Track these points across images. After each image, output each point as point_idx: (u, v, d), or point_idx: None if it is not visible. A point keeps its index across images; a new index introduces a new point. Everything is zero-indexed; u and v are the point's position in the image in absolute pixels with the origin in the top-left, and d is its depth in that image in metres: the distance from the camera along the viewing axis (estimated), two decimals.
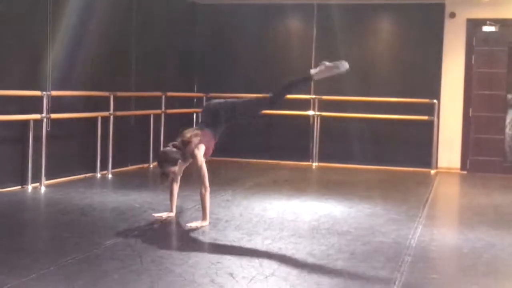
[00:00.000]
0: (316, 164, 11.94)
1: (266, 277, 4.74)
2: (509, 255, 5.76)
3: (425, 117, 11.43)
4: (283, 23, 12.45)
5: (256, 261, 5.17)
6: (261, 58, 12.44)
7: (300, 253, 5.48)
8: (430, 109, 11.44)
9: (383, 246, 5.87)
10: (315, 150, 12.01)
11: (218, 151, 12.08)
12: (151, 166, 10.93)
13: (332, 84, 11.95)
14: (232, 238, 5.99)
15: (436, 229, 6.78)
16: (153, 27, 11.29)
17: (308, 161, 12.03)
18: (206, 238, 5.94)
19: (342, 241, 6.01)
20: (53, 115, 8.78)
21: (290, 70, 12.22)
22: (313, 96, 12.02)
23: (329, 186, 9.68)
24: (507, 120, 11.52)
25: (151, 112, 10.99)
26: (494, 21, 11.18)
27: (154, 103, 11.13)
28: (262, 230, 6.37)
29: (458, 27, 11.44)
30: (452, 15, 11.43)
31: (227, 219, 6.84)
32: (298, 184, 9.80)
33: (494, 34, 11.25)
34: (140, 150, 10.96)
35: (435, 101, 11.42)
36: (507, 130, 11.53)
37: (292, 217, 7.02)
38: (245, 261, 5.17)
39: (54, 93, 8.83)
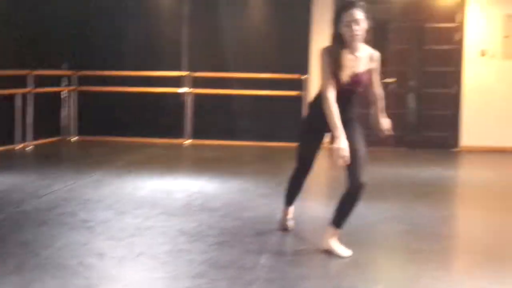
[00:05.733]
0: (190, 141, 11.93)
1: (137, 256, 4.73)
2: (370, 224, 6.01)
3: (296, 92, 11.65)
4: None
5: (126, 241, 5.15)
6: (134, 33, 12.21)
7: (171, 231, 5.49)
8: (298, 85, 11.65)
9: (253, 220, 5.98)
10: (189, 127, 12.00)
11: (88, 131, 12.03)
12: (16, 148, 10.56)
13: (205, 60, 12.00)
14: (102, 218, 5.92)
15: (305, 202, 6.94)
16: (21, 0, 10.87)
17: (182, 138, 12.01)
18: (75, 220, 5.83)
19: (213, 217, 6.07)
20: None
21: (162, 45, 12.15)
22: (186, 73, 11.99)
23: (202, 163, 9.72)
24: None
25: (17, 91, 10.60)
26: None
27: (20, 81, 10.72)
28: (132, 209, 6.33)
29: (325, 2, 11.68)
30: None
31: (97, 199, 6.75)
32: (171, 162, 9.80)
33: None
34: (5, 131, 10.55)
35: (305, 76, 11.65)
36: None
37: (164, 195, 7.01)
38: (115, 241, 5.13)
39: None
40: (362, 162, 4.85)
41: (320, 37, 11.74)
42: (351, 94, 4.86)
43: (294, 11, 11.86)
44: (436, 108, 11.80)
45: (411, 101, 11.96)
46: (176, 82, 12.00)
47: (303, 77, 11.63)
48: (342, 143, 4.63)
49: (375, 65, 4.92)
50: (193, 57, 12.08)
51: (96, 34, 12.21)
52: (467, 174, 9.93)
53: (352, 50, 4.74)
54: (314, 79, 11.80)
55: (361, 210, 6.44)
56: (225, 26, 11.99)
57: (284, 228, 5.59)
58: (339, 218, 4.99)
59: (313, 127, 5.08)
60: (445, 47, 11.72)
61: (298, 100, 11.63)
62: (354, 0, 4.71)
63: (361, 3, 4.73)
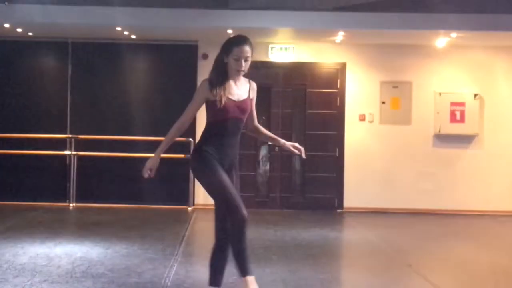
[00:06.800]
0: (74, 204, 11.66)
1: None
2: None
3: (182, 155, 11.66)
4: (36, 60, 12.08)
5: None
6: (18, 96, 11.93)
7: None
8: (186, 148, 11.68)
9: (139, 286, 5.88)
10: (73, 190, 11.74)
11: None
12: None
13: (89, 123, 11.88)
14: None
15: (191, 266, 6.93)
16: None
17: (66, 201, 11.73)
18: None
19: (97, 284, 5.93)
20: None
21: (44, 109, 11.94)
22: (70, 136, 11.79)
23: (86, 227, 9.51)
24: (260, 156, 12.13)
25: None
26: None
27: None
28: (12, 277, 6.09)
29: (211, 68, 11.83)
30: (205, 56, 11.82)
31: None
32: (53, 226, 9.50)
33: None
34: None
35: (190, 139, 11.70)
36: (260, 166, 12.13)
37: (45, 262, 6.80)
38: None
39: None
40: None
41: None
42: (238, 124, 4.93)
43: (180, 75, 11.97)
44: (320, 170, 12.09)
45: (296, 163, 12.23)
46: (60, 144, 11.78)
47: (190, 140, 11.66)
48: (153, 162, 4.93)
49: (254, 94, 5.05)
50: (77, 120, 11.93)
51: None
52: (350, 235, 10.17)
53: (234, 80, 4.90)
54: None
55: None
56: (109, 90, 11.97)
57: None
58: (241, 265, 4.86)
59: (215, 162, 4.87)
60: (327, 111, 12.11)
61: (185, 163, 11.61)
62: (246, 36, 4.90)
63: (250, 41, 4.90)
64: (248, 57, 4.81)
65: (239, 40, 4.86)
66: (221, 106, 4.80)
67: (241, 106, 4.89)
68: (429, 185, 11.92)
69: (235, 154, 4.99)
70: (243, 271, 4.83)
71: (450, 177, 12.02)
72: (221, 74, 4.86)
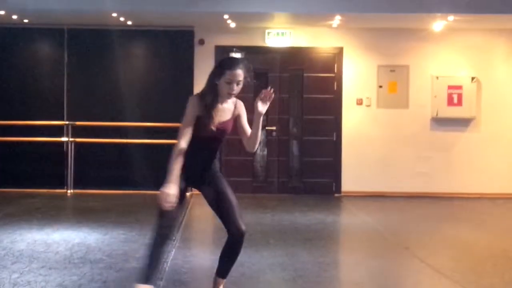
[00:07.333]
0: (72, 191, 11.65)
1: None
2: (255, 272, 6.04)
3: (176, 141, 11.63)
4: (32, 47, 12.04)
5: None
6: (9, 83, 11.91)
7: (50, 286, 5.34)
8: None
9: (136, 272, 5.87)
10: (70, 176, 11.74)
11: None
12: None
13: (86, 109, 11.85)
14: None
15: (189, 251, 6.95)
16: None
17: (63, 188, 11.73)
18: None
19: (95, 269, 5.94)
20: None
21: (41, 96, 11.90)
22: (66, 122, 11.77)
23: (84, 214, 9.52)
24: None
25: None
26: (239, 48, 11.76)
27: None
28: (10, 263, 6.11)
29: (207, 54, 11.83)
30: (201, 41, 11.82)
31: None
32: (51, 213, 9.51)
33: None
34: None
35: None
36: (257, 151, 12.12)
37: (43, 248, 6.82)
38: None
39: None
40: (238, 211, 4.85)
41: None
42: (217, 142, 4.91)
43: (176, 61, 11.93)
44: (317, 154, 12.10)
45: (294, 148, 12.23)
46: (57, 131, 11.76)
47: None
48: (171, 189, 4.68)
49: (240, 112, 4.95)
50: (74, 107, 11.90)
51: None
52: (347, 219, 10.19)
53: (222, 101, 4.83)
54: None
55: (246, 258, 6.49)
56: (106, 77, 11.92)
57: None
58: (224, 268, 4.97)
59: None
60: (324, 96, 12.09)
61: None
62: (241, 59, 4.74)
63: (246, 62, 4.84)
64: (240, 81, 4.72)
65: (232, 64, 4.76)
66: (203, 125, 4.72)
67: (219, 128, 4.81)
68: (426, 168, 11.94)
69: (214, 167, 4.95)
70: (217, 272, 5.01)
71: (448, 160, 12.04)
72: (212, 96, 4.78)
